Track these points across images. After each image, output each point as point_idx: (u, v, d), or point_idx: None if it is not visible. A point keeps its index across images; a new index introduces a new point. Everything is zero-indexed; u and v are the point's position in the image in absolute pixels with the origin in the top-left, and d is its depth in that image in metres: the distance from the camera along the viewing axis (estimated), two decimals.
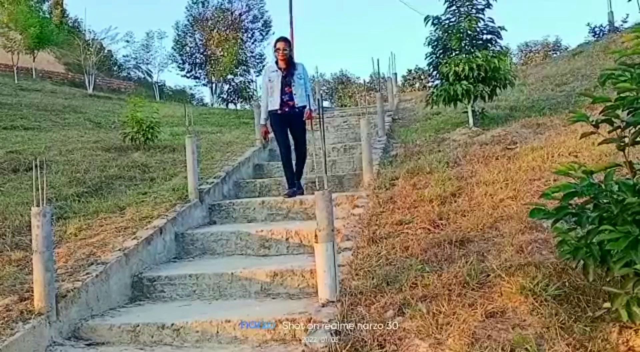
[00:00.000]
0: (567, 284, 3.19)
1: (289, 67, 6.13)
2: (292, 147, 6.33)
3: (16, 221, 5.33)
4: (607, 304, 2.77)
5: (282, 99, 6.10)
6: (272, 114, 6.19)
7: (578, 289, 3.14)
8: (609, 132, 2.92)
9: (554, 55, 27.81)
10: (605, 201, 2.84)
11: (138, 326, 3.78)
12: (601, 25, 17.74)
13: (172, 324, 3.73)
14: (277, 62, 6.17)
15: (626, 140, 2.86)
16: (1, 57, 20.48)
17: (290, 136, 6.29)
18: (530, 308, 3.06)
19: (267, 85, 6.18)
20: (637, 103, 2.74)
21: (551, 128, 7.09)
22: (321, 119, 4.11)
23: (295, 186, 6.15)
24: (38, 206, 3.73)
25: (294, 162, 6.31)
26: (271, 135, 6.51)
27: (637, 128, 2.79)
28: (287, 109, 6.12)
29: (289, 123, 6.18)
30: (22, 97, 14.82)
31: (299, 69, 6.20)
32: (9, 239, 5.00)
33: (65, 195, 6.22)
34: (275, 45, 6.19)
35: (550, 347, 2.74)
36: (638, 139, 2.82)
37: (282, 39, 6.24)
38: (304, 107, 6.15)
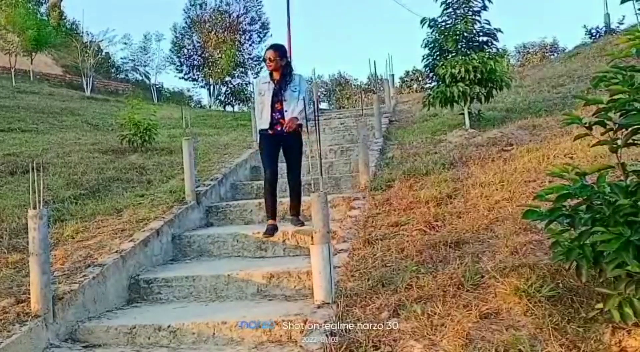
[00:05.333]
0: (560, 285, 3.22)
1: (282, 79, 5.16)
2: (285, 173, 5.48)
3: (13, 223, 5.34)
4: (599, 305, 2.79)
5: (272, 117, 5.14)
6: (262, 134, 5.24)
7: (571, 290, 3.16)
8: (602, 134, 2.95)
9: (551, 56, 27.88)
10: (598, 202, 2.87)
11: (135, 327, 3.79)
12: (597, 27, 17.77)
13: (169, 326, 3.74)
14: (271, 74, 5.23)
15: (619, 142, 2.88)
16: None
17: (282, 161, 5.40)
18: (524, 309, 3.08)
19: (258, 100, 5.29)
20: (629, 105, 2.76)
21: (547, 129, 7.12)
22: (317, 121, 4.13)
23: (276, 218, 5.20)
24: (35, 208, 3.74)
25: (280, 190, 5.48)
26: None
27: (629, 130, 2.81)
28: (278, 128, 5.14)
29: (280, 145, 5.26)
30: (19, 99, 14.83)
31: (295, 81, 5.20)
32: (6, 241, 5.01)
33: (62, 197, 6.23)
34: (264, 55, 5.29)
35: (544, 348, 2.76)
36: (630, 141, 2.84)
37: (272, 48, 5.24)
38: (300, 126, 5.19)
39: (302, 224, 5.22)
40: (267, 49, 5.30)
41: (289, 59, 5.32)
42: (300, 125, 5.20)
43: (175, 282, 4.48)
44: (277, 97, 5.14)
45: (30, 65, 20.78)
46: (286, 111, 5.12)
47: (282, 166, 5.44)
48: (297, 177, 5.31)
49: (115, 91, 23.92)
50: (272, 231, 5.06)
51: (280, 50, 5.21)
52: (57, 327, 3.79)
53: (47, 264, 3.76)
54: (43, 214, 3.75)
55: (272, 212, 5.15)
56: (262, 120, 5.18)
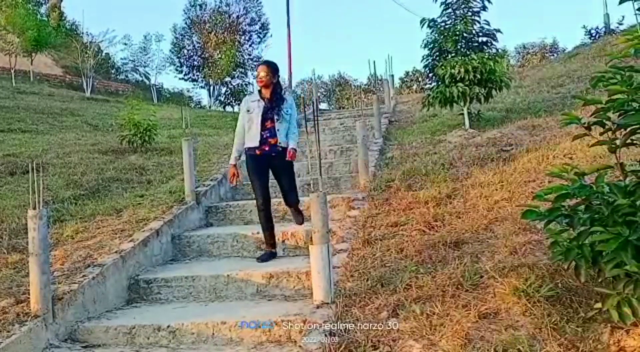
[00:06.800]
0: (559, 285, 3.22)
1: (274, 97, 4.97)
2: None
3: (13, 224, 5.34)
4: (598, 305, 2.79)
5: (261, 136, 4.90)
6: (248, 155, 5.00)
7: (570, 290, 3.17)
8: (601, 134, 2.95)
9: (551, 57, 27.89)
10: (596, 202, 2.87)
11: (134, 327, 3.79)
12: (597, 28, 17.77)
13: (168, 326, 3.74)
14: (260, 91, 5.03)
15: (617, 142, 2.89)
16: None
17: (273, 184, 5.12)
18: (523, 309, 3.09)
19: (245, 118, 5.02)
20: (628, 105, 2.77)
21: (546, 130, 7.13)
22: (316, 122, 4.13)
23: (274, 247, 5.01)
24: (35, 208, 3.74)
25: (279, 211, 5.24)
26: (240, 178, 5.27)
27: (628, 130, 2.82)
28: (267, 149, 4.91)
29: (269, 167, 5.02)
30: (19, 100, 14.84)
31: (288, 102, 5.04)
32: (6, 241, 5.01)
33: (62, 198, 6.24)
34: (255, 70, 5.04)
35: (543, 348, 2.77)
36: (629, 141, 2.85)
37: (264, 64, 5.08)
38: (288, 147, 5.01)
39: (302, 221, 5.10)
40: (259, 65, 5.16)
41: (279, 77, 5.18)
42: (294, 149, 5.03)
43: (175, 283, 4.49)
44: (268, 115, 4.93)
45: (30, 66, 20.78)
46: (278, 130, 4.92)
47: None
48: (295, 199, 5.09)
49: (115, 92, 23.92)
50: (267, 257, 4.89)
51: (272, 67, 5.02)
52: (56, 328, 3.79)
53: (46, 264, 3.76)
54: (43, 214, 3.75)
55: (269, 241, 4.97)
56: (250, 137, 4.95)
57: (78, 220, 5.51)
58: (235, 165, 5.07)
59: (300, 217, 5.15)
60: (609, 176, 3.57)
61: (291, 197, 5.06)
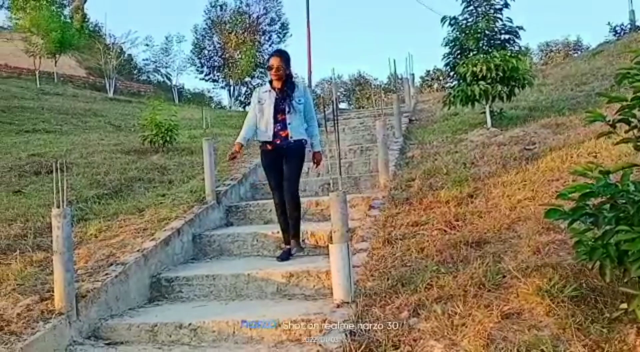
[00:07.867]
0: (584, 285, 3.16)
1: (284, 88, 4.83)
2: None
3: (38, 223, 5.43)
4: (624, 305, 2.74)
5: (274, 129, 4.82)
6: (262, 150, 4.99)
7: (595, 290, 3.10)
8: (626, 131, 2.90)
9: (575, 54, 27.48)
10: (622, 201, 2.81)
11: (156, 325, 3.82)
12: (622, 24, 17.49)
13: (190, 324, 3.77)
14: (271, 82, 4.91)
15: None
16: (24, 61, 20.92)
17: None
18: (547, 309, 3.04)
19: (256, 109, 4.92)
20: None
21: (570, 128, 7.02)
22: (335, 121, 4.12)
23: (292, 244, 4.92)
24: (59, 207, 3.80)
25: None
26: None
27: None
28: (279, 142, 4.81)
29: (282, 160, 4.87)
30: (44, 101, 15.12)
31: (299, 90, 4.89)
32: (31, 240, 5.09)
33: (85, 197, 6.32)
34: (268, 62, 4.95)
35: (567, 349, 2.72)
36: None
37: (276, 54, 4.96)
38: (301, 140, 4.89)
39: (302, 249, 4.93)
40: (271, 56, 4.98)
41: (291, 68, 4.99)
42: (306, 141, 4.96)
43: (196, 281, 4.52)
44: (280, 107, 4.82)
45: (54, 67, 21.16)
46: (290, 123, 4.80)
47: None
48: (293, 192, 4.86)
49: (138, 92, 24.21)
50: (287, 256, 4.84)
51: (284, 56, 4.89)
52: (80, 325, 3.84)
53: (70, 263, 3.82)
54: (67, 213, 3.81)
55: (287, 239, 4.93)
56: (263, 131, 4.88)
57: (101, 219, 5.58)
58: (241, 146, 4.92)
59: (298, 248, 4.90)
60: (634, 175, 3.50)
61: (288, 185, 4.83)
